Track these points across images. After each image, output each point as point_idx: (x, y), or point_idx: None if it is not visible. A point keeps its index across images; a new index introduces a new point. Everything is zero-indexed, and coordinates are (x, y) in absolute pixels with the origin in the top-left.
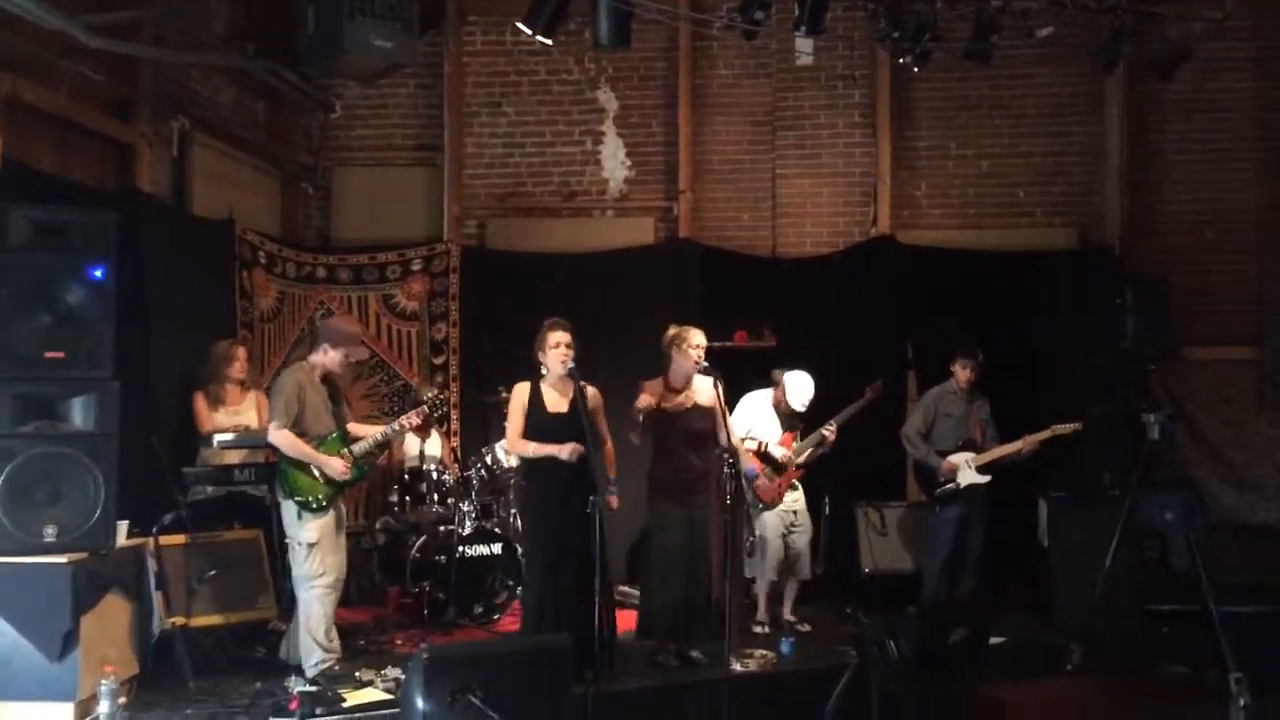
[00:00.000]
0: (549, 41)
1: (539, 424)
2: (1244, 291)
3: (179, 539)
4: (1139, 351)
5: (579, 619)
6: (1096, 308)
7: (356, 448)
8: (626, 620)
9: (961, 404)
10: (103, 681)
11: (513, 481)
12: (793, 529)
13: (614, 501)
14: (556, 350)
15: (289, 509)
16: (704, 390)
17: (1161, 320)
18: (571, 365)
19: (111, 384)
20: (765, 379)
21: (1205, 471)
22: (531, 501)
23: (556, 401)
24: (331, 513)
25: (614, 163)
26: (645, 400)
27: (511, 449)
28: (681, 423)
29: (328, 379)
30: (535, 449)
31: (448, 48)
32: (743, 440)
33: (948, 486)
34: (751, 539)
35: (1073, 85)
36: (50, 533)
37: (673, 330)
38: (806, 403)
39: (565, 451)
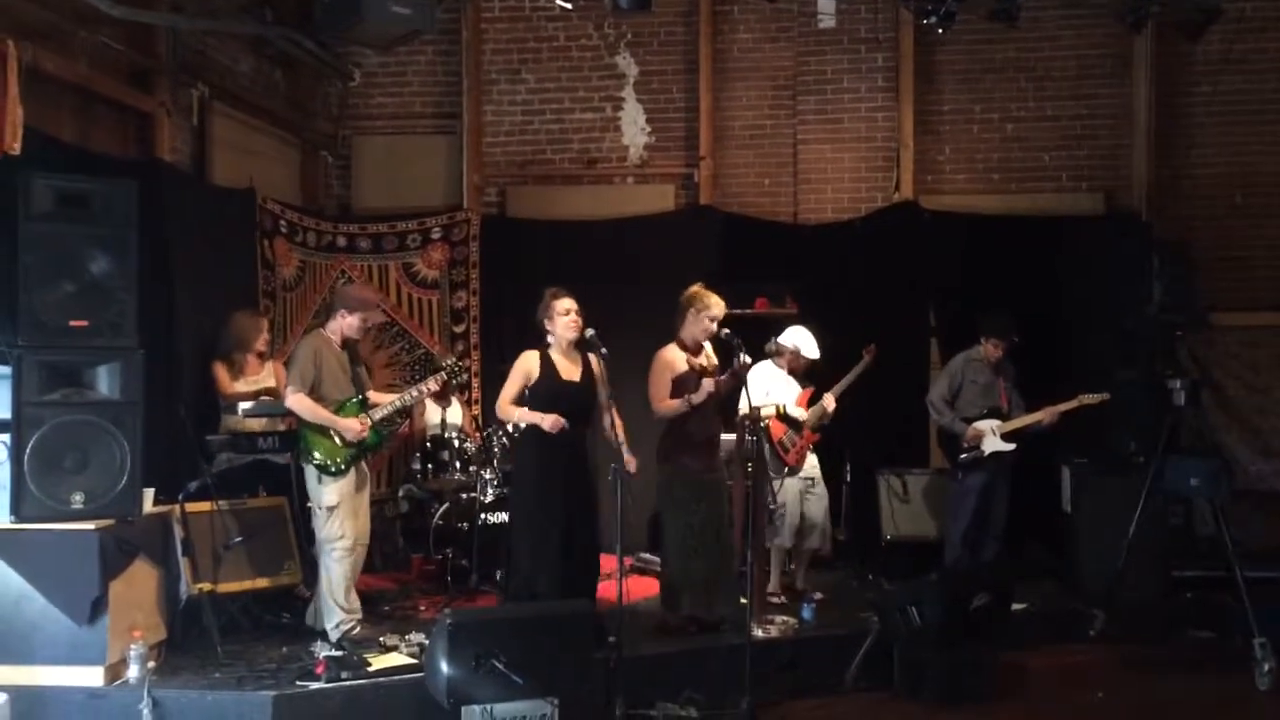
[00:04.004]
0: (568, 6)
1: (554, 392)
2: (1273, 256)
3: (205, 506)
4: (1165, 318)
5: (568, 589)
6: (1123, 273)
7: (375, 413)
8: (649, 587)
9: (988, 371)
10: (131, 646)
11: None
12: (808, 494)
13: (633, 463)
14: (566, 318)
15: (310, 473)
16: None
17: (1188, 286)
18: (591, 333)
19: (136, 352)
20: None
21: (1231, 438)
22: (527, 472)
23: (569, 370)
24: (352, 476)
25: (634, 129)
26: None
27: (500, 413)
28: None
29: (347, 345)
30: (520, 414)
31: (466, 14)
32: (760, 406)
33: (972, 453)
34: (774, 507)
35: (1100, 46)
36: (78, 500)
37: (694, 289)
38: (817, 348)
39: (547, 422)
